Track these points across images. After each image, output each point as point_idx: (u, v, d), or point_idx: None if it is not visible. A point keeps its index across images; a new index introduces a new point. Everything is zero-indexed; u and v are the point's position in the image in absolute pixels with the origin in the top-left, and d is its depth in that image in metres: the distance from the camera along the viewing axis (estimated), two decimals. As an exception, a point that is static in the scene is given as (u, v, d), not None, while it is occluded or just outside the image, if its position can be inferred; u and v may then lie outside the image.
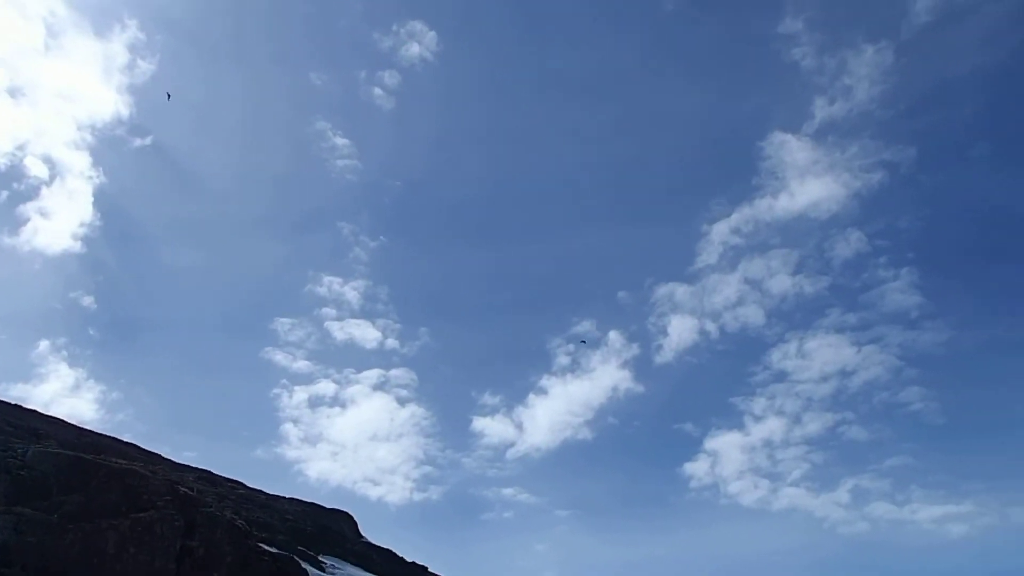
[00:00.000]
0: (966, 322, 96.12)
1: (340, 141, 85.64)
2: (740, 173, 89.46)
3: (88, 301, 78.08)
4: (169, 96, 61.56)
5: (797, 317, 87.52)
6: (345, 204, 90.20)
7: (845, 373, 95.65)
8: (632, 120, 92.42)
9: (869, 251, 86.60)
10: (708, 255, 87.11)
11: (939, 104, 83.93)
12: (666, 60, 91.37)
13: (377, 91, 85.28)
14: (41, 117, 72.83)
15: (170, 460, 32.42)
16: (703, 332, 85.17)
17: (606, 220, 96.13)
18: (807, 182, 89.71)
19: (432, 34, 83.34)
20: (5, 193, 70.06)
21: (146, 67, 76.81)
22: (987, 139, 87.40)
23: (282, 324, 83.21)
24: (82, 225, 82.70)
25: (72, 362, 74.20)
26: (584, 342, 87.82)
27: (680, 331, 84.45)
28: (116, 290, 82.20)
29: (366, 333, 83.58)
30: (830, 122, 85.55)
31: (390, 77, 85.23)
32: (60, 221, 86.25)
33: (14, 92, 68.97)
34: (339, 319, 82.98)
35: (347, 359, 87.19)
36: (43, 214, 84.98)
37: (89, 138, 74.11)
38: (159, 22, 75.98)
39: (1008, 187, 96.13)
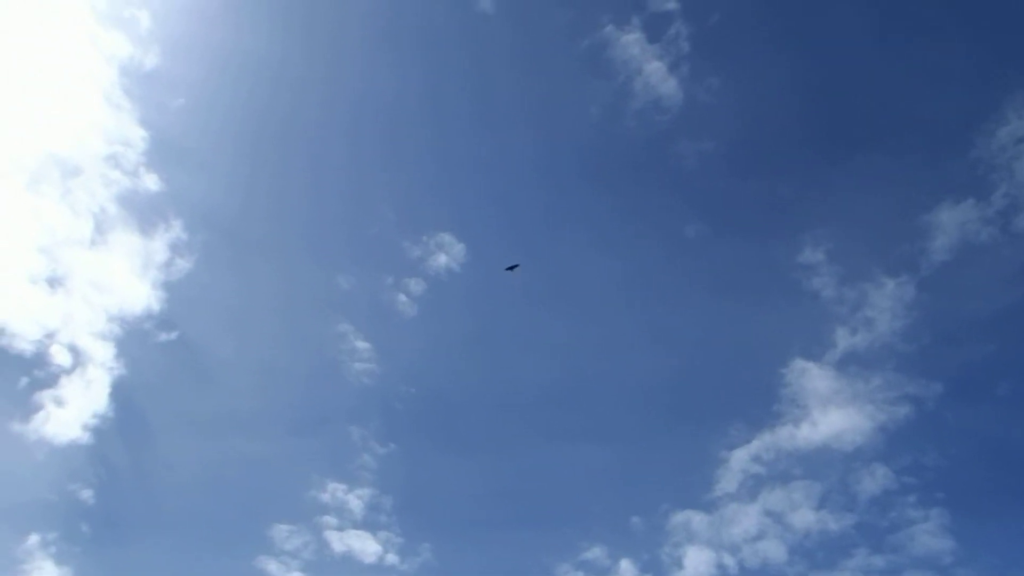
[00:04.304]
0: (1002, 572, 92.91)
1: (361, 344, 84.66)
2: (760, 399, 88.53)
3: (87, 495, 75.55)
4: None
5: (820, 556, 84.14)
6: (358, 408, 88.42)
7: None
8: (650, 339, 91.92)
9: (896, 488, 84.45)
10: (727, 483, 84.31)
11: (963, 340, 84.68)
12: (685, 282, 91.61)
13: (402, 298, 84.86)
14: (74, 306, 73.95)
15: None
16: (721, 566, 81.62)
17: (621, 439, 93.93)
18: (830, 412, 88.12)
19: (460, 246, 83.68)
20: (25, 379, 69.76)
21: (183, 265, 77.66)
22: (1012, 378, 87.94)
23: (280, 531, 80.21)
24: (94, 416, 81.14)
25: (59, 559, 71.31)
26: None
27: (696, 563, 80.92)
28: (117, 485, 79.93)
29: (366, 546, 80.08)
30: (852, 352, 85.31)
31: (415, 285, 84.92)
32: (73, 411, 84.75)
33: (52, 281, 70.10)
34: (340, 529, 79.96)
35: (344, 572, 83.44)
36: (58, 403, 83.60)
37: (117, 329, 74.47)
38: (202, 222, 77.39)
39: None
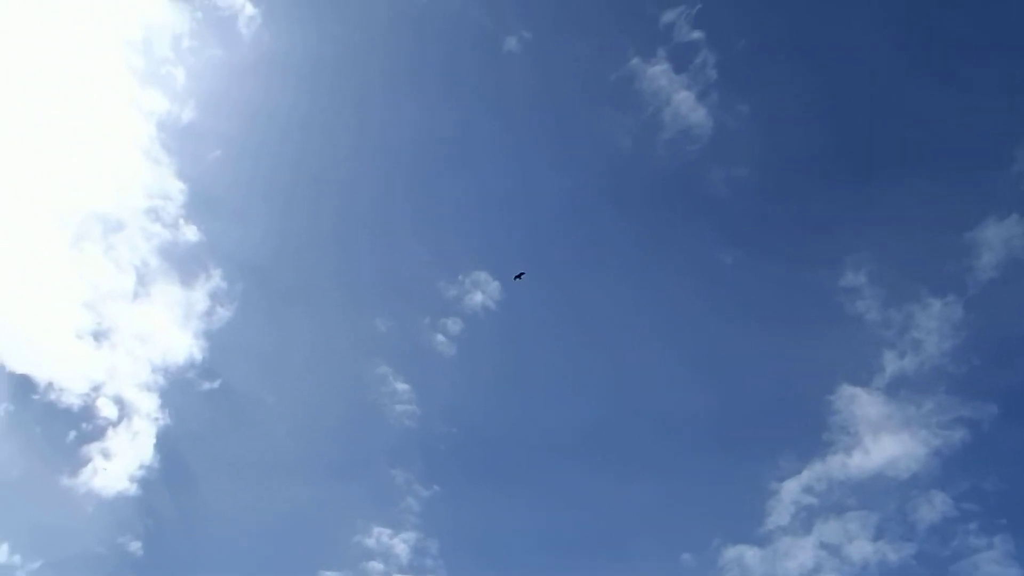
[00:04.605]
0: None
1: (400, 386, 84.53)
2: (809, 428, 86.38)
3: (135, 547, 75.85)
4: None
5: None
6: (401, 451, 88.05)
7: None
8: (691, 371, 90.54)
9: (956, 515, 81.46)
10: (779, 515, 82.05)
11: (1016, 359, 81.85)
12: (723, 311, 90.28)
13: (440, 338, 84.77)
14: (119, 359, 75.22)
15: None
16: (778, 602, 79.63)
17: (667, 474, 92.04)
18: (882, 439, 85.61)
19: (496, 284, 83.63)
20: (73, 433, 70.68)
21: (223, 313, 78.64)
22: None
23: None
24: (141, 467, 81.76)
25: (110, 612, 72.19)
26: None
27: (752, 599, 78.98)
28: (165, 535, 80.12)
29: (412, 591, 79.39)
30: (901, 376, 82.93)
31: (453, 324, 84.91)
32: (120, 463, 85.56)
33: (98, 335, 71.44)
34: (386, 574, 79.30)
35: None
36: (105, 455, 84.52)
37: (161, 380, 75.31)
38: (241, 270, 78.38)
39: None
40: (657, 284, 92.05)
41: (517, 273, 71.10)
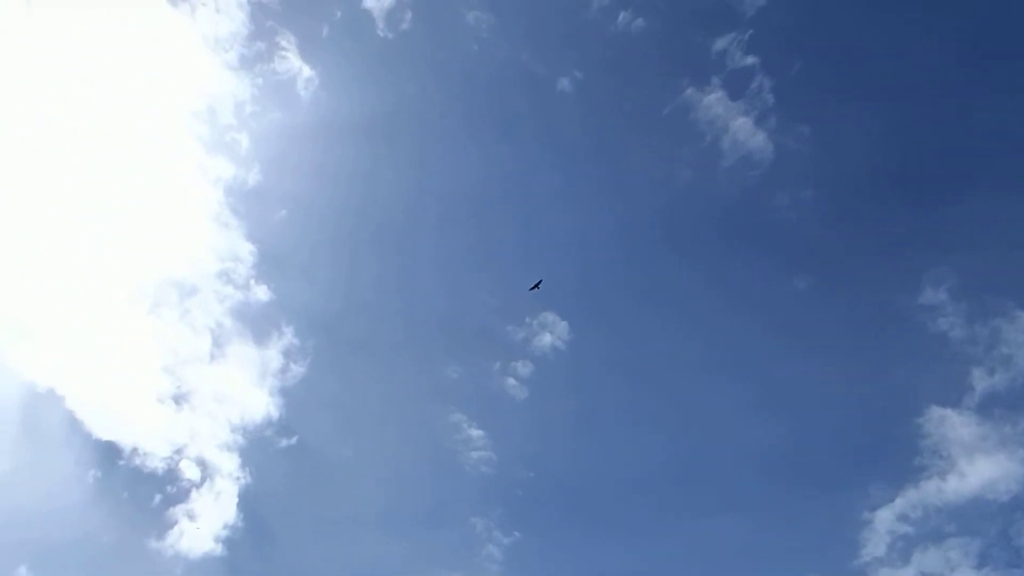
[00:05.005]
0: None
1: (475, 433, 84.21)
2: (899, 453, 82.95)
3: None
4: None
5: (991, 617, 77.46)
6: (479, 497, 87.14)
7: None
8: (771, 402, 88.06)
9: None
10: (874, 546, 78.73)
11: None
12: (800, 340, 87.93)
13: (511, 381, 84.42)
14: (199, 421, 76.83)
15: None
16: (882, 635, 76.11)
17: (754, 510, 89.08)
18: (977, 461, 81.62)
19: (564, 324, 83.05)
20: (159, 496, 71.85)
21: (297, 370, 79.70)
22: None
23: (409, 630, 79.23)
24: (225, 527, 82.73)
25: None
26: None
27: (856, 634, 75.66)
28: None
29: (498, 639, 78.01)
30: (992, 394, 79.29)
31: (523, 367, 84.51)
32: (205, 524, 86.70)
33: (178, 398, 73.16)
34: None
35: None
36: (190, 517, 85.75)
37: (240, 440, 76.40)
38: (312, 327, 79.53)
39: None
40: (728, 315, 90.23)
41: (534, 284, 70.77)
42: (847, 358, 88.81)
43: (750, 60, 77.00)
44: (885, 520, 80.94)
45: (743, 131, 78.26)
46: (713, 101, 78.00)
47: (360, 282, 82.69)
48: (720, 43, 77.09)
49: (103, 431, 67.43)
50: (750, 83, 77.36)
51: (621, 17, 78.14)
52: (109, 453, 68.72)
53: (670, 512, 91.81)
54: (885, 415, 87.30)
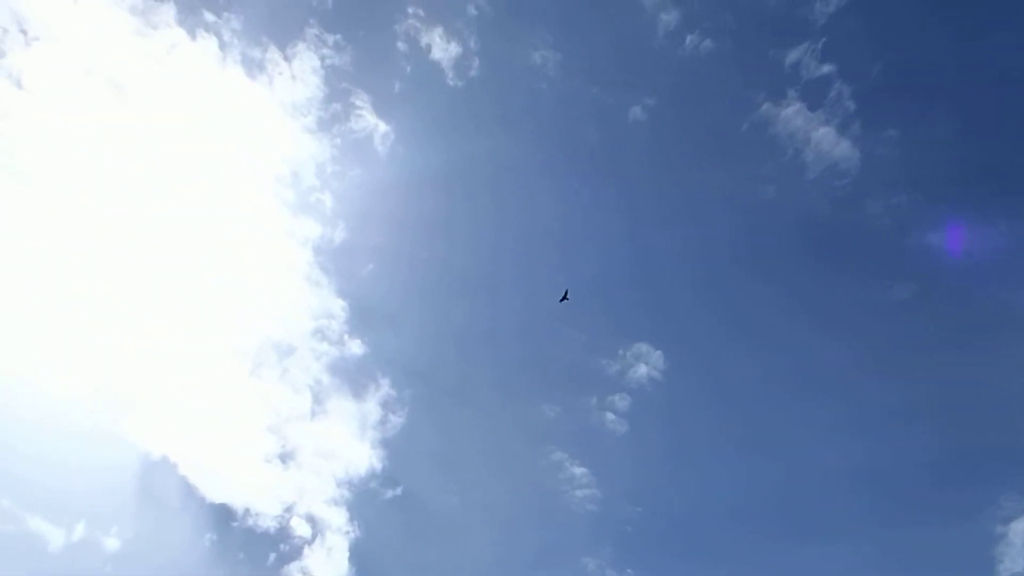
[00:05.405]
0: None
1: (578, 470, 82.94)
2: (1029, 461, 78.59)
3: None
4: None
5: None
6: (587, 536, 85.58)
7: None
8: (886, 417, 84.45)
9: None
10: (1011, 560, 74.20)
11: None
12: (910, 347, 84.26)
13: (609, 416, 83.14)
14: (305, 478, 78.09)
15: None
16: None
17: (877, 529, 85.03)
18: None
19: (658, 353, 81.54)
20: (273, 555, 72.85)
21: (396, 420, 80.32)
22: None
23: None
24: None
25: None
26: None
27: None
28: None
29: None
30: None
31: (620, 400, 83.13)
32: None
33: (284, 457, 74.54)
34: None
35: None
36: (305, 574, 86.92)
37: (347, 494, 77.20)
38: (407, 376, 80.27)
39: None
40: (826, 330, 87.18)
41: (563, 295, 69.52)
42: (959, 366, 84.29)
43: (826, 68, 75.32)
44: (1020, 532, 75.80)
45: (826, 141, 76.33)
46: (791, 114, 76.47)
47: (450, 328, 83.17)
48: (793, 55, 75.71)
49: (216, 494, 69.00)
50: (828, 91, 75.59)
51: (688, 40, 77.62)
52: (223, 515, 70.22)
53: (783, 539, 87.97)
54: (1012, 422, 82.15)
